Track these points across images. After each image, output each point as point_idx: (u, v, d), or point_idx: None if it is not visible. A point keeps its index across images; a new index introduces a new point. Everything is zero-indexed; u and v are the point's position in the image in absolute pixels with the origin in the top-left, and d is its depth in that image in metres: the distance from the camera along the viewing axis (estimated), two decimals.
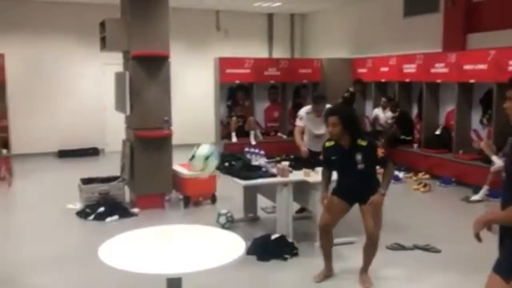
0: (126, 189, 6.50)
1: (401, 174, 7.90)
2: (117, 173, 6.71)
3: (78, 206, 6.19)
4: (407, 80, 8.76)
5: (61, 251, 4.89)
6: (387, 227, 5.29)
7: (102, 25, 6.31)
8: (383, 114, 9.12)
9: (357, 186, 3.86)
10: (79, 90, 10.58)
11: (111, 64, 7.96)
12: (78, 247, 5.00)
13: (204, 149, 4.46)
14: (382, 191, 3.79)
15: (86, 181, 6.44)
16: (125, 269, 2.52)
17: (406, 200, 6.91)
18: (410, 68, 8.65)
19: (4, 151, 8.19)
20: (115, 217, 5.88)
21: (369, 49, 10.10)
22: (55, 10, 10.14)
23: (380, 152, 3.82)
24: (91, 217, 5.88)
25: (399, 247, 4.75)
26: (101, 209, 5.93)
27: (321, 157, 4.20)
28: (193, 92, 11.04)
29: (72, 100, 10.56)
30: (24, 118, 9.73)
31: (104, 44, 6.37)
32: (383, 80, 9.41)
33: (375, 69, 9.60)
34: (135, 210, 6.10)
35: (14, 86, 9.00)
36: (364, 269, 3.98)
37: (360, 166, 3.77)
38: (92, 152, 10.66)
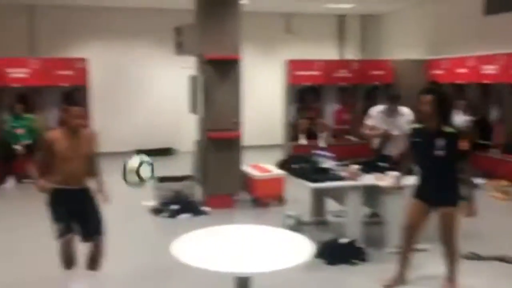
0: (198, 188, 6.70)
1: (478, 180, 7.52)
2: (190, 173, 6.94)
3: (153, 203, 6.48)
4: (487, 81, 8.32)
5: (135, 244, 5.16)
6: (462, 235, 5.07)
7: (177, 30, 6.56)
8: (457, 117, 8.70)
9: (434, 181, 3.69)
10: (155, 92, 11.05)
11: (186, 68, 8.23)
12: (151, 242, 5.24)
13: (132, 162, 4.04)
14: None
15: (161, 179, 6.72)
16: (195, 265, 2.61)
17: (483, 208, 6.52)
18: (490, 70, 8.20)
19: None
20: (187, 215, 6.10)
21: (444, 50, 9.70)
22: (133, 17, 10.64)
23: (464, 144, 3.63)
24: (164, 214, 6.13)
25: (475, 256, 4.54)
26: (174, 206, 6.18)
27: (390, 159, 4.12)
28: (263, 94, 11.15)
29: (149, 102, 11.05)
30: (106, 119, 10.31)
31: (179, 48, 6.63)
32: (459, 82, 9.00)
33: (451, 71, 9.20)
34: (206, 209, 6.28)
35: (97, 89, 9.56)
36: (448, 278, 3.83)
37: (439, 153, 3.59)
38: (167, 152, 11.10)
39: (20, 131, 8.14)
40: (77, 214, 3.71)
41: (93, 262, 3.82)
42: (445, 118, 3.67)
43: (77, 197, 3.73)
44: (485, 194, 7.16)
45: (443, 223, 3.69)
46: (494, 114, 8.53)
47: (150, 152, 11.42)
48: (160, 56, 10.55)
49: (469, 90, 8.86)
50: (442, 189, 3.67)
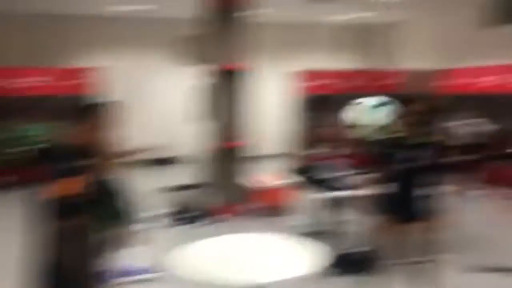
0: (207, 197, 6.60)
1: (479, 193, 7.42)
2: (198, 182, 6.85)
3: (162, 211, 6.38)
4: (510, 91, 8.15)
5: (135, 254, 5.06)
6: (481, 246, 4.93)
7: (186, 40, 6.54)
8: (463, 128, 8.52)
9: (407, 193, 3.51)
10: (162, 102, 11.02)
11: (194, 77, 8.20)
12: (160, 249, 5.14)
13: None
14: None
15: (170, 188, 6.65)
16: (202, 277, 2.49)
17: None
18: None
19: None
20: (197, 223, 6.00)
21: (457, 60, 9.58)
22: (143, 26, 10.66)
23: (448, 158, 3.55)
24: (175, 222, 6.03)
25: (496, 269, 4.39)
26: (183, 215, 6.09)
27: None
28: (272, 104, 11.08)
29: (158, 111, 11.02)
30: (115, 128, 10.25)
31: (187, 59, 6.59)
32: (481, 93, 8.81)
33: (466, 80, 9.06)
34: (216, 217, 6.18)
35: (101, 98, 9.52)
36: None
37: (422, 163, 3.45)
38: (173, 161, 11.03)
39: None
40: None
41: None
42: (430, 128, 3.57)
43: None
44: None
45: (418, 236, 3.53)
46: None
47: (157, 162, 11.48)
48: (169, 66, 10.52)
49: (492, 100, 8.69)
50: (414, 202, 3.48)
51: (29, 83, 8.51)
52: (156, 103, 11.04)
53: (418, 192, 3.51)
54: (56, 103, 8.90)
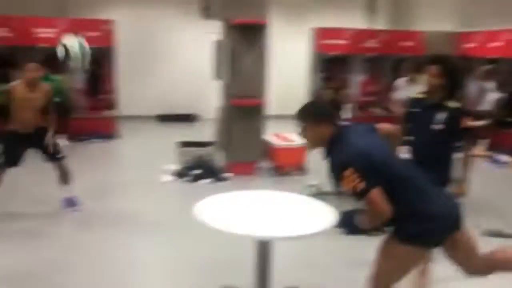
0: (220, 155, 6.73)
1: (504, 158, 7.39)
2: (212, 139, 6.96)
3: (174, 167, 6.55)
4: None
5: (158, 206, 5.25)
6: (484, 212, 5.01)
7: None
8: (490, 95, 8.44)
9: (427, 157, 3.23)
10: (180, 57, 11.01)
11: (211, 33, 8.16)
12: (173, 204, 5.33)
13: (74, 46, 4.63)
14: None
15: (183, 144, 6.76)
16: (217, 227, 2.62)
17: (508, 184, 6.45)
18: None
19: (109, 112, 8.85)
20: (208, 180, 6.15)
21: (478, 23, 9.35)
22: None
23: (467, 123, 3.32)
24: (186, 178, 6.20)
25: (496, 233, 4.48)
26: (196, 171, 6.23)
27: None
28: (288, 62, 11.00)
29: (173, 67, 11.04)
30: (130, 82, 10.34)
31: (205, 13, 6.55)
32: (493, 57, 8.69)
33: (484, 44, 8.88)
34: (227, 175, 6.32)
35: (123, 51, 9.56)
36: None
37: (437, 127, 3.25)
38: (188, 118, 11.14)
39: None
40: (35, 146, 4.75)
41: (63, 178, 4.91)
42: (452, 91, 3.32)
43: (32, 136, 4.67)
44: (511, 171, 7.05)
45: None
46: None
47: (172, 118, 11.69)
48: (186, 21, 10.45)
49: (503, 65, 8.57)
50: (433, 168, 3.05)
51: (45, 33, 8.53)
52: (176, 58, 11.05)
53: (438, 155, 3.31)
54: None
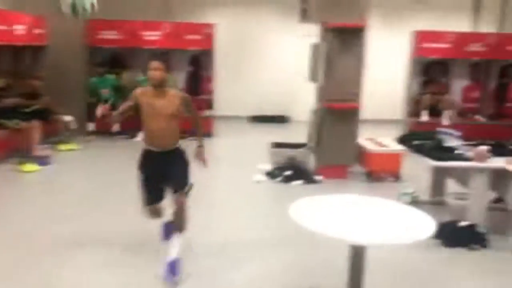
0: (312, 157, 6.74)
1: None
2: (304, 141, 7.00)
3: (268, 167, 6.66)
4: None
5: (251, 205, 5.39)
6: None
7: None
8: None
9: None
10: (276, 60, 11.20)
11: (307, 35, 8.20)
12: (266, 203, 5.45)
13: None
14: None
15: (276, 145, 6.87)
16: (312, 230, 2.65)
17: None
18: None
19: (208, 111, 9.22)
20: (300, 181, 6.19)
21: None
22: None
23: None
24: (278, 178, 6.29)
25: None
26: (288, 172, 6.30)
27: None
28: (386, 66, 10.72)
29: (268, 69, 11.24)
30: (226, 83, 10.70)
31: (303, 16, 6.60)
32: None
33: None
34: (319, 177, 6.32)
35: (221, 53, 9.92)
36: None
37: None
38: (281, 120, 11.28)
39: (104, 91, 8.67)
40: (164, 174, 3.63)
41: (177, 221, 3.57)
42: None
43: (162, 159, 3.63)
44: None
45: None
46: None
47: (264, 119, 11.89)
48: (284, 23, 10.60)
49: None
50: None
51: (151, 36, 9.12)
52: (271, 60, 11.25)
53: None
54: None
